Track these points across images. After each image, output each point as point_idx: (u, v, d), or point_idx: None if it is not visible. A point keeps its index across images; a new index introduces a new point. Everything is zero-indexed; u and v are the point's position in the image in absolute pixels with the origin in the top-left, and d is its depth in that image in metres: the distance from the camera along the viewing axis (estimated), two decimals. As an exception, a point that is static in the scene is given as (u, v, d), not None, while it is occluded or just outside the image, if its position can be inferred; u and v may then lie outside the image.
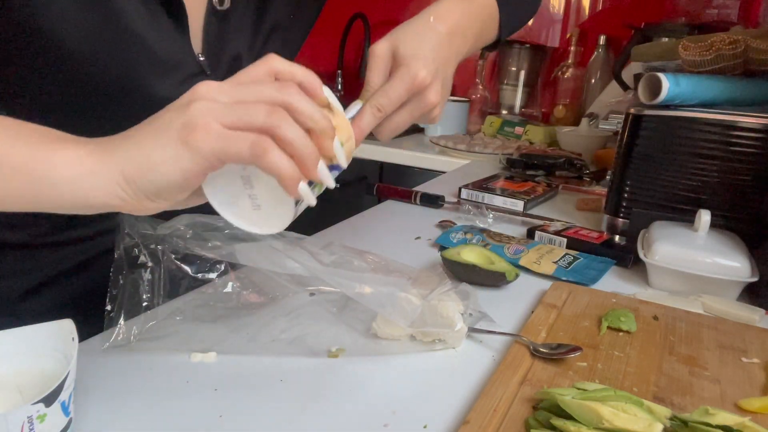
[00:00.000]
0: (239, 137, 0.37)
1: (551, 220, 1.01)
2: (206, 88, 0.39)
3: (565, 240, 0.90)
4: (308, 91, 0.42)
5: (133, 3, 0.54)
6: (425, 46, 0.57)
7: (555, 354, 0.57)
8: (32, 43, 0.51)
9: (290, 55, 0.72)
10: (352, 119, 0.54)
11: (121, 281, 0.58)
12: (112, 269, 0.56)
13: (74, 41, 0.52)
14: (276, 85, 0.40)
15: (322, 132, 0.41)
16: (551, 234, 0.91)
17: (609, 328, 0.63)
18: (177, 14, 0.58)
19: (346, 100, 0.51)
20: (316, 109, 0.41)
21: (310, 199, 0.43)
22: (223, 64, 0.64)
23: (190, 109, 0.38)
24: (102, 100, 0.56)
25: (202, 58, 0.62)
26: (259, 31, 0.66)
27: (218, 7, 0.62)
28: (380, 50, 0.57)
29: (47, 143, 0.39)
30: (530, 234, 0.94)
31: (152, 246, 0.57)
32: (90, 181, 0.38)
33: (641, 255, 0.78)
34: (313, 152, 0.40)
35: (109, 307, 0.58)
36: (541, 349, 0.57)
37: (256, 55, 0.66)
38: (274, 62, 0.42)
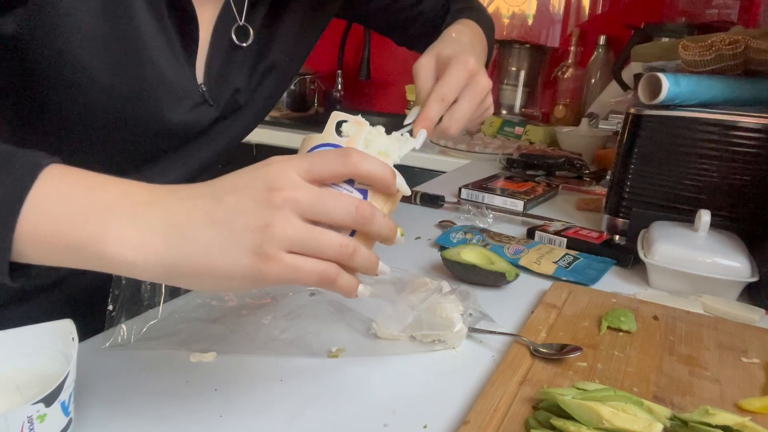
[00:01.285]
0: (310, 271, 0.37)
1: (551, 220, 1.01)
2: (287, 178, 0.37)
3: (565, 240, 0.90)
4: (382, 189, 0.45)
5: (152, 30, 0.54)
6: (461, 49, 0.63)
7: (555, 354, 0.57)
8: (54, 67, 0.50)
9: (282, 90, 0.76)
10: (419, 115, 0.59)
11: (123, 281, 0.58)
12: None
13: (97, 67, 0.52)
14: (354, 203, 0.40)
15: (387, 240, 0.43)
16: (551, 234, 0.91)
17: (609, 328, 0.63)
18: (190, 44, 0.59)
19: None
20: (385, 226, 0.42)
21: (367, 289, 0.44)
22: (224, 95, 0.65)
23: (267, 225, 0.35)
24: (116, 125, 0.57)
25: (204, 89, 0.63)
26: (257, 70, 0.68)
27: (239, 43, 0.64)
28: (424, 61, 0.62)
29: (100, 215, 0.36)
30: (530, 234, 0.94)
31: None
32: (136, 266, 0.36)
33: (641, 255, 0.78)
34: (375, 266, 0.42)
35: (110, 307, 0.58)
36: (541, 349, 0.57)
37: (253, 90, 0.68)
38: (355, 162, 0.40)
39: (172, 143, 0.64)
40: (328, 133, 0.45)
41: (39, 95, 0.52)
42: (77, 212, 0.35)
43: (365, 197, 0.44)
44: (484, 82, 0.60)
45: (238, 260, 0.36)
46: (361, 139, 0.45)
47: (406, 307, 0.58)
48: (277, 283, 0.37)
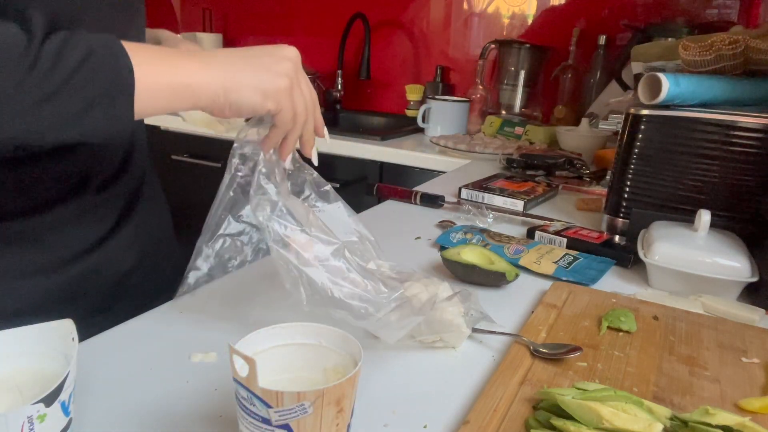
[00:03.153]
0: (293, 99, 0.59)
1: (551, 220, 1.01)
2: (294, 55, 0.60)
3: (565, 240, 0.90)
4: None
5: None
6: None
7: (555, 354, 0.57)
8: None
9: None
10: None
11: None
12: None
13: None
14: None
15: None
16: (551, 234, 0.91)
17: (609, 328, 0.63)
18: None
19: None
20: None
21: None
22: None
23: (281, 74, 0.57)
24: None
25: None
26: None
27: None
28: None
29: (176, 60, 0.54)
30: (530, 234, 0.94)
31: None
32: (206, 86, 0.54)
33: (641, 255, 0.78)
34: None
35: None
36: (541, 350, 0.57)
37: None
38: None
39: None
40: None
41: None
42: (170, 68, 0.53)
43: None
44: None
45: (277, 81, 0.57)
46: None
47: (410, 312, 0.58)
48: (288, 100, 0.58)
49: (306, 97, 0.61)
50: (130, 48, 0.51)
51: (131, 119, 0.51)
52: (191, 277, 0.63)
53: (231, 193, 0.62)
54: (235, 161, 0.62)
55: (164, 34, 0.77)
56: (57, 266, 0.66)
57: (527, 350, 0.58)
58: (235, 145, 0.62)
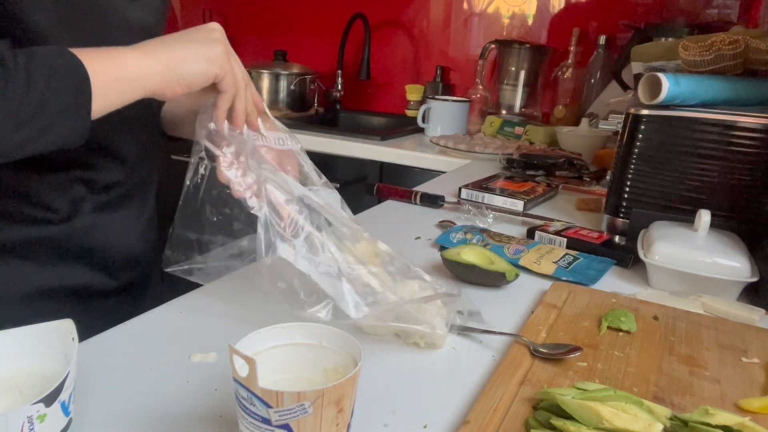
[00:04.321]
0: (231, 64, 0.62)
1: (551, 220, 1.01)
2: (219, 28, 0.62)
3: (565, 240, 0.90)
4: None
5: None
6: None
7: (555, 354, 0.57)
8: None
9: None
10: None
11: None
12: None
13: None
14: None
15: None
16: (551, 234, 0.91)
17: (609, 328, 0.63)
18: None
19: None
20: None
21: None
22: None
23: (215, 40, 0.60)
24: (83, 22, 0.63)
25: None
26: None
27: None
28: None
29: (116, 55, 0.56)
30: (530, 234, 0.94)
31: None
32: (149, 72, 0.56)
33: (641, 255, 0.78)
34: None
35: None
36: (541, 350, 0.57)
37: None
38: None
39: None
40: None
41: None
42: (112, 64, 0.55)
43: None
44: None
45: (199, 50, 0.59)
46: None
47: (391, 295, 0.58)
48: (216, 66, 0.59)
49: (241, 66, 0.64)
50: (80, 54, 0.53)
51: (89, 126, 0.54)
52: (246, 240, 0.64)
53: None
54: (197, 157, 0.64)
55: None
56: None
57: (527, 350, 0.58)
58: (195, 142, 0.64)
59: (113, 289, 0.75)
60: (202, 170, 0.63)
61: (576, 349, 0.58)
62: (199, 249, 0.63)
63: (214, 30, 0.62)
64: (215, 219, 0.63)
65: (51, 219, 0.66)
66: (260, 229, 0.58)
